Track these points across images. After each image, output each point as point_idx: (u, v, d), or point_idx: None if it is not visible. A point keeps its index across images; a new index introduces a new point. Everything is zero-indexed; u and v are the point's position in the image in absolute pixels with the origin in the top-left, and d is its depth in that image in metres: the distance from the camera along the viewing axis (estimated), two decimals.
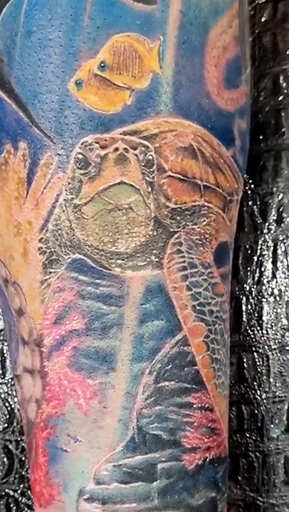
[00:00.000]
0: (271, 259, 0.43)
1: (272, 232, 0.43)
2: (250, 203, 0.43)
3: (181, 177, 0.36)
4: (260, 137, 0.43)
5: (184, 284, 0.37)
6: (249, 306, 0.43)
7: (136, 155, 0.35)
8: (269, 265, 0.43)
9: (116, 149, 0.35)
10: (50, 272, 0.36)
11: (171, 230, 0.36)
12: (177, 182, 0.36)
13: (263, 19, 0.44)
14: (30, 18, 0.35)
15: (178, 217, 0.36)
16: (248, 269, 0.43)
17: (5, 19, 0.36)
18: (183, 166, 0.36)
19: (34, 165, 0.36)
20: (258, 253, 0.43)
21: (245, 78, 0.39)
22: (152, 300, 0.36)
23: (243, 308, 0.43)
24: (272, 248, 0.43)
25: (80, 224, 0.36)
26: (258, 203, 0.43)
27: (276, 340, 0.43)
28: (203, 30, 0.36)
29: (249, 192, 0.43)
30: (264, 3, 0.45)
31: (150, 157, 0.35)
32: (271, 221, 0.43)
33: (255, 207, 0.43)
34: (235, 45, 0.38)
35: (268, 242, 0.43)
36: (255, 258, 0.43)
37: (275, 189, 0.43)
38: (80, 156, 0.35)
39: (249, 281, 0.43)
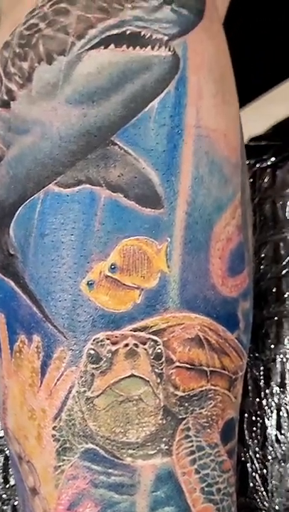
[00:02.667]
0: (275, 423, 0.45)
1: (275, 396, 0.45)
2: (254, 369, 0.44)
3: (189, 366, 0.38)
4: (262, 304, 0.45)
5: (192, 468, 0.38)
6: (254, 470, 0.45)
7: (145, 349, 0.37)
8: (273, 430, 0.44)
9: (126, 345, 0.37)
10: (64, 459, 0.38)
11: (180, 417, 0.38)
12: (185, 371, 0.38)
13: (262, 186, 0.46)
14: (44, 221, 0.37)
15: (186, 404, 0.38)
16: (253, 433, 0.45)
17: (19, 219, 0.38)
18: (190, 355, 0.38)
19: (47, 357, 0.37)
20: (262, 417, 0.45)
21: (248, 260, 0.41)
22: (162, 487, 0.37)
23: (248, 471, 0.45)
24: (275, 412, 0.45)
25: (92, 415, 0.37)
26: (262, 368, 0.45)
27: (281, 503, 0.45)
28: (208, 227, 0.38)
29: (252, 358, 0.45)
30: (263, 168, 0.47)
31: (159, 350, 0.37)
32: (274, 386, 0.44)
33: (258, 373, 0.44)
34: (238, 234, 0.40)
35: (271, 406, 0.45)
36: (259, 422, 0.44)
37: (277, 355, 0.45)
38: (92, 352, 0.37)
39: (253, 445, 0.45)
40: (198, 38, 0.38)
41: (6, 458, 0.48)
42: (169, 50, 0.37)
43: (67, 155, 0.37)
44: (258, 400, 0.44)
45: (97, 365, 0.37)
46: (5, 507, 0.47)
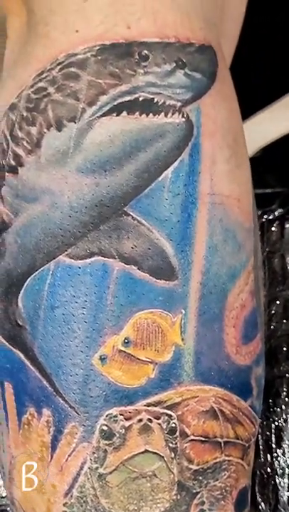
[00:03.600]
0: (287, 485, 0.44)
1: (287, 456, 0.44)
2: (265, 429, 0.44)
3: (203, 439, 0.37)
4: (273, 362, 0.44)
5: None
6: None
7: (159, 424, 0.36)
8: (285, 491, 0.43)
9: (140, 420, 0.36)
10: None
11: (194, 491, 0.37)
12: (199, 444, 0.37)
13: (271, 238, 0.45)
14: (54, 294, 0.36)
15: (200, 478, 0.37)
16: (264, 495, 0.44)
17: (28, 290, 0.37)
18: (204, 428, 0.37)
19: (58, 432, 0.36)
20: (274, 479, 0.44)
21: (260, 324, 0.40)
22: None
23: None
24: (287, 473, 0.44)
25: (105, 492, 0.36)
26: (273, 429, 0.44)
27: None
28: (222, 296, 0.37)
29: (264, 418, 0.44)
30: (271, 220, 0.46)
31: (173, 425, 0.36)
32: (286, 447, 0.44)
33: (269, 433, 0.44)
34: (251, 300, 0.39)
35: (283, 467, 0.44)
36: (271, 484, 0.44)
37: None
38: (104, 428, 0.36)
39: (266, 507, 0.44)
40: (211, 102, 0.37)
41: None
42: (183, 116, 0.36)
43: (78, 226, 0.36)
44: (269, 460, 0.44)
45: (110, 441, 0.36)
46: None
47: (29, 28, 0.39)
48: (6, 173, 0.37)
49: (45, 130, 0.36)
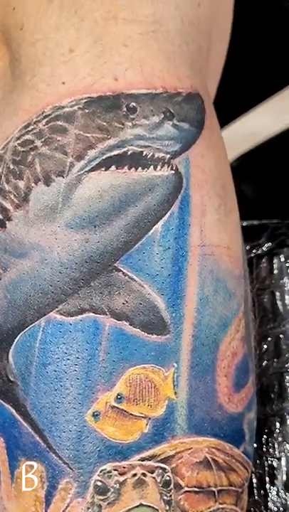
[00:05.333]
0: None
1: (280, 494, 0.44)
2: (258, 468, 0.44)
3: (197, 489, 0.37)
4: (265, 401, 0.44)
5: None
6: None
7: (154, 477, 0.36)
8: None
9: (134, 475, 0.36)
10: None
11: None
12: (193, 495, 0.37)
13: (260, 275, 0.45)
14: (46, 350, 0.36)
15: None
16: None
17: (19, 347, 0.36)
18: (198, 478, 0.37)
19: (52, 488, 0.36)
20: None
21: (252, 368, 0.40)
22: None
23: None
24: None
25: None
26: (266, 468, 0.44)
27: None
28: (214, 346, 0.37)
29: (256, 457, 0.44)
30: (260, 255, 0.46)
31: (167, 478, 0.36)
32: (279, 485, 0.44)
33: (263, 471, 0.44)
34: (242, 346, 0.39)
35: (277, 505, 0.44)
36: None
37: (282, 453, 0.44)
38: (99, 483, 0.36)
39: None
40: (200, 152, 0.37)
41: None
42: (172, 168, 0.36)
43: (68, 282, 0.35)
44: (263, 499, 0.44)
45: (105, 497, 0.36)
46: None
47: (14, 76, 0.38)
48: None
49: (32, 184, 0.36)
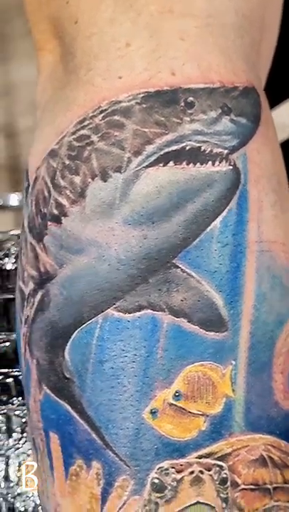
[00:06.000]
0: None
1: None
2: None
3: (253, 487, 0.37)
4: None
5: None
6: None
7: (210, 475, 0.36)
8: None
9: (191, 472, 0.35)
10: None
11: None
12: (249, 492, 0.37)
13: None
14: (103, 348, 0.35)
15: None
16: None
17: (75, 343, 0.36)
18: (254, 476, 0.37)
19: (108, 485, 0.36)
20: None
21: None
22: None
23: None
24: None
25: None
26: None
27: None
28: (270, 343, 0.37)
29: None
30: None
31: (224, 475, 0.36)
32: None
33: None
34: None
35: None
36: None
37: None
38: (156, 481, 0.35)
39: None
40: (256, 147, 0.36)
41: None
42: (230, 164, 0.35)
43: (126, 279, 0.35)
44: None
45: (162, 494, 0.36)
46: None
47: (67, 70, 0.38)
48: (49, 223, 0.37)
49: (89, 180, 0.36)
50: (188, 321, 0.35)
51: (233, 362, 0.36)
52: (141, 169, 0.35)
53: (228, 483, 0.36)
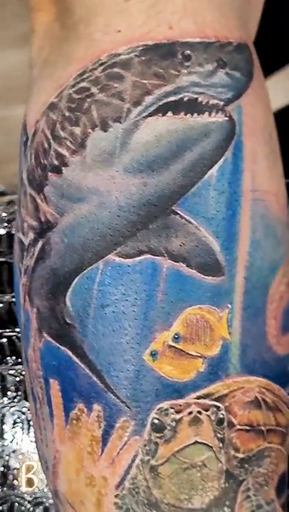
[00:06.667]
0: None
1: None
2: None
3: (248, 428, 0.38)
4: None
5: None
6: None
7: (208, 415, 0.37)
8: None
9: (190, 413, 0.37)
10: None
11: (240, 478, 0.38)
12: (244, 433, 0.38)
13: None
14: (104, 292, 0.37)
15: (246, 465, 0.38)
16: None
17: (77, 289, 0.37)
18: (249, 417, 0.38)
19: (109, 427, 0.37)
20: None
21: None
22: None
23: None
24: None
25: (157, 483, 0.37)
26: None
27: None
28: (264, 289, 0.38)
29: None
30: None
31: (221, 416, 0.37)
32: None
33: None
34: (288, 291, 0.40)
35: None
36: None
37: None
38: (156, 421, 0.37)
39: None
40: (250, 101, 0.38)
41: (46, 509, 0.48)
42: (226, 115, 0.37)
43: (127, 225, 0.36)
44: None
45: (161, 434, 0.37)
46: None
47: (65, 27, 0.39)
48: (49, 173, 0.38)
49: (89, 130, 0.37)
50: (187, 266, 0.36)
51: (230, 306, 0.37)
52: (140, 119, 0.36)
53: (225, 424, 0.37)
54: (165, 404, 0.37)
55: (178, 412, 0.37)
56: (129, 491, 0.37)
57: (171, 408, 0.37)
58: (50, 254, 0.38)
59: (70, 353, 0.38)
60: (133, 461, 0.37)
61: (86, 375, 0.37)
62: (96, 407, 0.37)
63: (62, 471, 0.40)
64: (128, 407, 0.37)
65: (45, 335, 0.39)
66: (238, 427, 0.38)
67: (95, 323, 0.37)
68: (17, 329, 0.50)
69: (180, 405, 0.37)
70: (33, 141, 0.39)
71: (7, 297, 0.50)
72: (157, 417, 0.37)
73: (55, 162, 0.38)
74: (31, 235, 0.39)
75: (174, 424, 0.37)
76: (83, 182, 0.37)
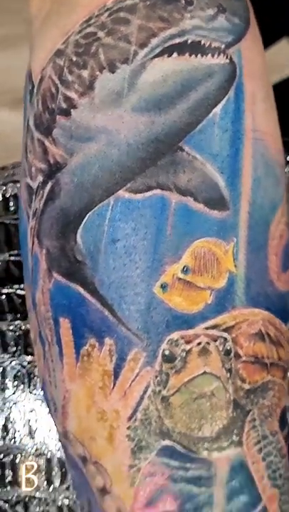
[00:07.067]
0: None
1: None
2: None
3: (253, 360, 0.40)
4: None
5: (260, 457, 0.40)
6: None
7: (216, 346, 0.38)
8: None
9: (199, 343, 0.38)
10: (140, 458, 0.39)
11: (247, 408, 0.39)
12: (250, 365, 0.39)
13: None
14: (115, 227, 0.38)
15: (251, 396, 0.40)
16: None
17: (87, 226, 0.38)
18: (254, 349, 0.40)
19: (121, 360, 0.38)
20: None
21: None
22: (236, 477, 0.39)
23: None
24: None
25: (168, 413, 0.38)
26: None
27: None
28: (266, 226, 0.40)
29: None
30: None
31: (228, 347, 0.39)
32: None
33: None
34: (287, 231, 0.42)
35: None
36: None
37: None
38: (166, 352, 0.38)
39: None
40: (248, 46, 0.40)
41: (48, 461, 0.48)
42: (227, 57, 0.38)
43: (136, 162, 0.37)
44: None
45: (172, 364, 0.38)
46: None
47: None
48: (58, 116, 0.39)
49: (97, 73, 0.38)
50: (194, 200, 0.38)
51: (235, 239, 0.39)
52: (147, 60, 0.38)
53: (232, 355, 0.39)
54: (175, 335, 0.38)
55: (188, 342, 0.38)
56: (142, 422, 0.39)
57: (181, 339, 0.38)
58: (59, 195, 0.39)
59: (80, 289, 0.39)
60: (145, 392, 0.38)
61: (97, 310, 0.39)
62: (108, 341, 0.39)
63: (72, 410, 0.41)
64: (140, 339, 0.38)
65: (55, 274, 0.40)
66: (244, 358, 0.39)
67: (106, 258, 0.38)
68: (15, 286, 0.51)
69: (190, 336, 0.38)
70: (39, 88, 0.40)
71: (4, 256, 0.51)
72: (168, 347, 0.38)
73: (63, 105, 0.39)
74: (40, 178, 0.40)
75: (184, 354, 0.38)
76: (92, 122, 0.38)
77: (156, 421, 0.39)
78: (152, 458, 0.39)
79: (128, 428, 0.39)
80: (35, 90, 0.41)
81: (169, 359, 0.38)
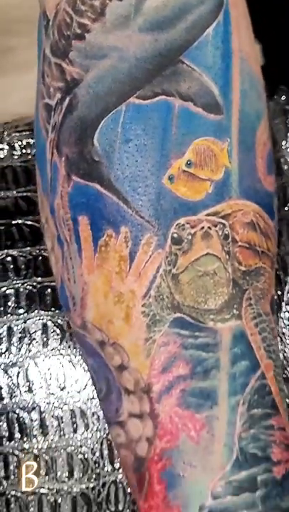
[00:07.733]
0: None
1: None
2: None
3: (247, 246, 0.46)
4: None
5: (256, 330, 0.46)
6: None
7: (216, 231, 0.45)
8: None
9: (202, 228, 0.44)
10: (154, 330, 0.44)
11: (244, 288, 0.45)
12: (245, 250, 0.46)
13: None
14: (127, 129, 0.44)
15: (247, 277, 0.46)
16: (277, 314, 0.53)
17: (103, 130, 0.45)
18: (248, 237, 0.46)
19: (135, 245, 0.44)
20: (284, 300, 0.54)
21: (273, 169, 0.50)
22: (238, 345, 0.45)
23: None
24: None
25: (178, 289, 0.44)
26: (280, 261, 0.54)
27: None
28: (253, 131, 0.47)
29: None
30: None
31: (226, 232, 0.45)
32: None
33: (277, 266, 0.53)
34: (270, 142, 0.48)
35: None
36: (283, 306, 0.53)
37: None
38: (175, 235, 0.44)
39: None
40: None
41: (41, 413, 0.53)
42: None
43: (143, 73, 0.44)
44: (279, 287, 0.53)
45: (180, 246, 0.44)
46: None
47: None
48: (73, 41, 0.45)
49: (107, 1, 0.45)
50: (194, 104, 0.44)
51: (228, 139, 0.45)
52: None
53: (230, 239, 0.45)
54: (182, 220, 0.44)
55: (192, 227, 0.44)
56: (155, 299, 0.44)
57: (187, 224, 0.44)
58: (77, 107, 0.45)
59: (98, 186, 0.45)
60: (157, 271, 0.44)
61: (113, 203, 0.44)
62: (123, 229, 0.44)
63: (91, 299, 0.46)
64: (151, 225, 0.44)
65: (74, 177, 0.46)
66: (240, 243, 0.46)
67: (120, 156, 0.44)
68: (24, 218, 0.56)
69: (194, 221, 0.44)
70: (54, 20, 0.47)
71: (13, 192, 0.56)
72: (176, 231, 0.44)
73: (78, 31, 0.45)
74: (58, 95, 0.46)
75: (189, 237, 0.44)
76: (104, 42, 0.44)
77: (167, 296, 0.44)
78: (165, 329, 0.44)
79: (143, 305, 0.45)
80: (50, 24, 0.47)
81: (177, 241, 0.44)
